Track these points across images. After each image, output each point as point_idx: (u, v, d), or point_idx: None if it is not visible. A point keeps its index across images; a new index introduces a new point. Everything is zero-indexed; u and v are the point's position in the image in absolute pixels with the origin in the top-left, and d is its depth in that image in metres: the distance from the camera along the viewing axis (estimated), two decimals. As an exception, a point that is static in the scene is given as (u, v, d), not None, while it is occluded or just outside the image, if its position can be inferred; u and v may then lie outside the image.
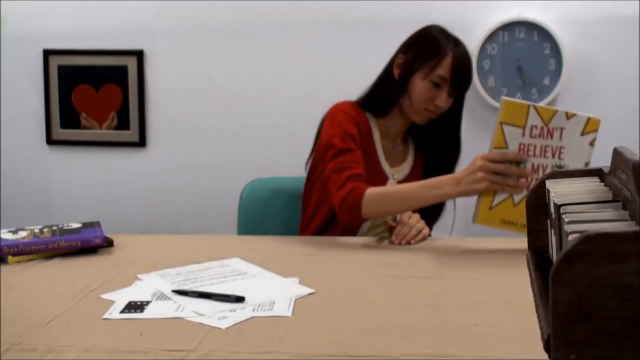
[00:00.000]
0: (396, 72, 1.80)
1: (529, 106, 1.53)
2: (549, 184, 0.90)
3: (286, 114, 2.70)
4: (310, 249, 1.61)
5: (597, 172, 0.90)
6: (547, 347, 0.64)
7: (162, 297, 1.23)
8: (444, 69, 1.74)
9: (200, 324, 1.10)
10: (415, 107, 1.77)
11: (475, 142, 2.64)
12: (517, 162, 1.55)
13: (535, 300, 0.79)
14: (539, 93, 2.55)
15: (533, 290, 0.83)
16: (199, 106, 2.80)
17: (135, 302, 1.20)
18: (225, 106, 2.76)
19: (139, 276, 1.35)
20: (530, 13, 2.53)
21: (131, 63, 2.78)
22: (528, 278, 0.91)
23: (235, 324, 1.09)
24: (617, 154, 0.78)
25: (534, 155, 1.54)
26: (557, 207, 0.78)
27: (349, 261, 1.50)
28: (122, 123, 2.83)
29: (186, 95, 2.80)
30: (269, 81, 2.72)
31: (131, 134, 2.83)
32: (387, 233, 1.77)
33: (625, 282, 0.58)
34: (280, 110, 2.71)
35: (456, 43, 1.79)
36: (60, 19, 2.81)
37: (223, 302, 1.19)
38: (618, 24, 2.51)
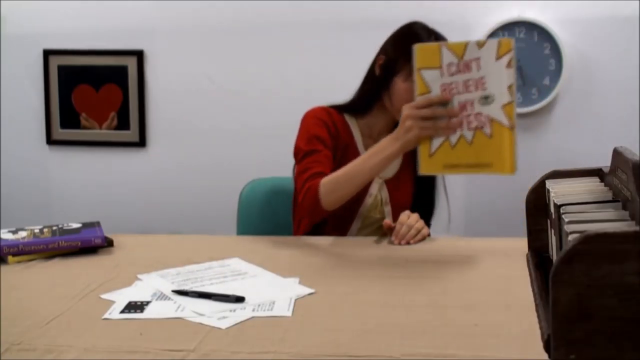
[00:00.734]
0: (377, 71, 1.80)
1: (440, 46, 1.50)
2: (549, 184, 0.90)
3: (286, 114, 2.70)
4: (310, 249, 1.61)
5: (597, 172, 0.90)
6: (547, 347, 0.64)
7: (162, 297, 1.23)
8: None
9: (200, 324, 1.10)
10: (396, 107, 1.76)
11: (475, 142, 2.65)
12: (444, 103, 1.50)
13: (535, 300, 0.79)
14: (539, 93, 2.55)
15: (533, 290, 0.83)
16: (199, 106, 2.80)
17: (135, 302, 1.20)
18: (225, 106, 2.77)
19: (139, 276, 1.35)
20: (530, 13, 2.53)
21: (131, 63, 2.78)
22: (528, 278, 0.91)
23: (235, 324, 1.09)
24: (617, 154, 0.78)
25: (458, 93, 1.50)
26: (557, 207, 0.78)
27: (349, 261, 1.50)
28: (122, 123, 2.83)
29: (186, 95, 2.80)
30: (269, 81, 2.72)
31: (131, 134, 2.83)
32: (379, 232, 1.78)
33: (625, 282, 0.58)
34: (280, 110, 2.71)
35: (434, 37, 1.77)
36: (60, 19, 2.81)
37: (223, 302, 1.19)
38: (618, 24, 2.51)
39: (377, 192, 1.81)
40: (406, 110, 1.54)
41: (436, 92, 1.51)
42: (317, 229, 1.81)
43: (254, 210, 2.07)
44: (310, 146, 1.75)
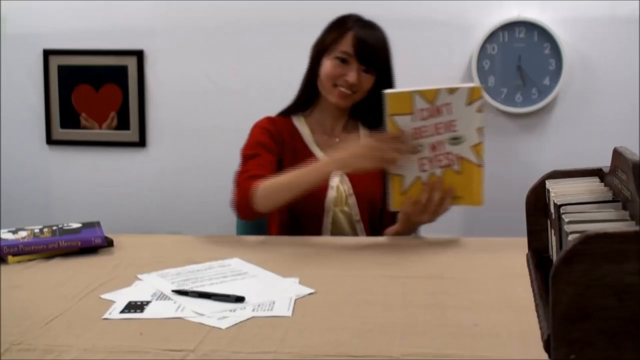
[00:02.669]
0: (308, 64, 1.88)
1: (411, 93, 1.57)
2: (549, 184, 0.90)
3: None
4: (310, 249, 1.61)
5: (597, 172, 0.90)
6: (547, 347, 0.64)
7: (162, 297, 1.23)
8: (345, 44, 1.80)
9: (200, 324, 1.10)
10: (325, 85, 1.82)
11: (475, 142, 2.65)
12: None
13: (535, 300, 0.79)
14: (539, 93, 2.55)
15: (533, 290, 0.83)
16: (199, 106, 2.79)
17: (135, 302, 1.20)
18: (225, 106, 2.76)
19: (139, 276, 1.35)
20: (530, 13, 2.53)
21: (131, 63, 2.78)
22: (528, 278, 0.91)
23: (235, 324, 1.09)
24: (617, 154, 0.78)
25: (429, 135, 1.59)
26: (557, 207, 0.78)
27: (349, 261, 1.50)
28: (122, 123, 2.83)
29: (186, 95, 2.79)
30: (269, 81, 2.72)
31: (131, 134, 2.83)
32: (352, 226, 1.83)
33: (625, 282, 0.58)
34: (280, 110, 2.71)
35: (361, 22, 1.85)
36: (60, 19, 2.81)
37: (223, 302, 1.19)
38: (618, 24, 2.51)
39: (339, 184, 1.81)
40: (367, 140, 1.64)
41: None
42: (293, 228, 1.82)
43: None
44: (251, 151, 1.85)
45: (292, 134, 1.89)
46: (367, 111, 1.86)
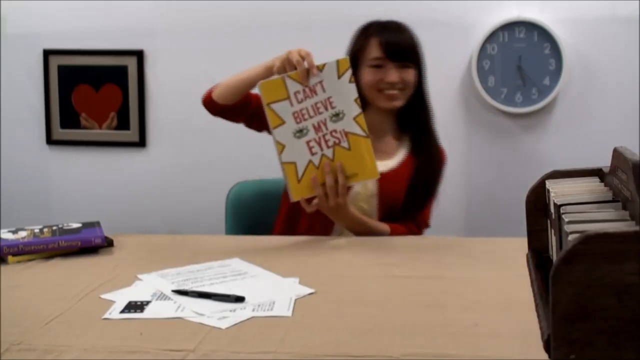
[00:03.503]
0: None
1: (282, 78, 1.61)
2: (549, 184, 0.90)
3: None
4: (310, 249, 1.61)
5: (597, 172, 0.90)
6: (547, 347, 0.64)
7: (162, 297, 1.23)
8: (374, 51, 1.82)
9: (200, 324, 1.10)
10: (371, 94, 1.83)
11: (475, 142, 2.65)
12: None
13: (535, 300, 0.79)
14: (539, 93, 2.55)
15: (533, 290, 0.83)
16: (199, 106, 2.77)
17: (135, 302, 1.20)
18: (225, 106, 2.76)
19: (139, 276, 1.35)
20: (530, 13, 2.53)
21: (131, 63, 2.78)
22: (528, 278, 0.91)
23: (235, 324, 1.09)
24: (617, 154, 0.78)
25: (310, 117, 1.62)
26: (557, 207, 0.78)
27: (349, 261, 1.50)
28: (122, 123, 2.83)
29: (186, 95, 2.79)
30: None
31: (131, 134, 2.83)
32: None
33: (625, 282, 0.58)
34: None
35: (381, 24, 1.86)
36: (60, 19, 2.81)
37: (223, 302, 1.19)
38: (618, 24, 2.51)
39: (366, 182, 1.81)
40: None
41: (289, 121, 1.61)
42: (303, 216, 1.81)
43: (241, 212, 2.09)
44: None
45: None
46: (411, 110, 1.87)
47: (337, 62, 1.62)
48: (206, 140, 2.79)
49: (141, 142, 2.82)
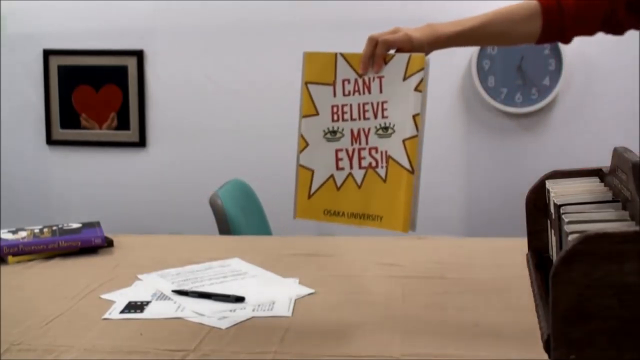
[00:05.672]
0: None
1: (335, 56, 1.22)
2: (549, 184, 0.90)
3: (287, 114, 2.70)
4: (310, 249, 1.60)
5: (597, 172, 0.90)
6: (547, 347, 0.64)
7: (162, 297, 1.23)
8: None
9: (200, 324, 1.10)
10: None
11: (475, 142, 2.65)
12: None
13: (535, 300, 0.79)
14: (539, 93, 2.55)
15: (533, 290, 0.83)
16: (199, 106, 2.80)
17: (135, 302, 1.20)
18: (225, 106, 2.76)
19: (139, 276, 1.35)
20: (530, 13, 2.53)
21: (131, 63, 2.78)
22: (528, 278, 0.91)
23: (235, 324, 1.09)
24: (617, 154, 0.78)
25: (352, 118, 1.19)
26: (557, 207, 0.78)
27: (349, 261, 1.50)
28: (122, 123, 2.83)
29: (186, 95, 2.80)
30: (269, 81, 2.72)
31: (131, 134, 2.83)
32: None
33: (625, 282, 0.58)
34: (280, 109, 2.71)
35: None
36: (60, 19, 2.81)
37: (223, 302, 1.19)
38: (618, 24, 2.51)
39: None
40: None
41: (325, 114, 1.20)
42: None
43: (232, 213, 2.10)
44: None
45: None
46: None
47: (409, 57, 1.16)
48: (206, 140, 2.79)
49: (141, 142, 2.82)
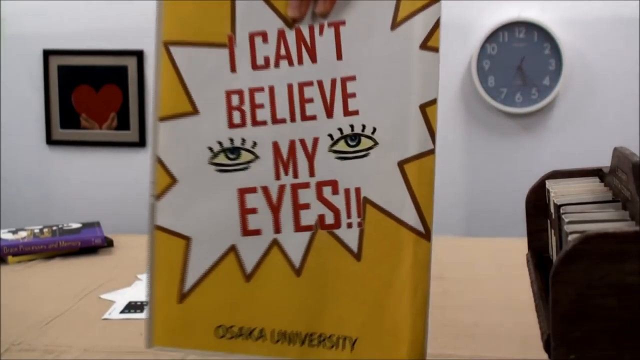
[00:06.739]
0: None
1: None
2: (549, 184, 0.90)
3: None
4: (310, 249, 1.60)
5: (597, 172, 0.90)
6: (547, 347, 0.64)
7: (162, 297, 1.23)
8: None
9: (200, 324, 1.10)
10: None
11: (475, 142, 2.65)
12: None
13: (535, 300, 0.79)
14: (539, 93, 2.55)
15: (533, 290, 0.83)
16: (199, 106, 2.79)
17: (135, 302, 1.20)
18: (225, 106, 2.76)
19: (139, 276, 1.35)
20: (530, 13, 2.53)
21: (131, 63, 2.78)
22: (528, 278, 0.91)
23: (235, 324, 1.09)
24: (617, 154, 0.78)
25: (274, 120, 0.65)
26: (557, 207, 0.78)
27: (349, 261, 1.50)
28: (122, 123, 2.82)
29: (186, 95, 2.79)
30: (269, 81, 2.72)
31: (131, 134, 2.83)
32: None
33: (625, 282, 0.58)
34: (280, 110, 2.71)
35: None
36: (60, 19, 2.81)
37: (223, 302, 1.19)
38: (618, 24, 2.51)
39: None
40: None
41: (214, 110, 0.71)
42: None
43: None
44: None
45: None
46: None
47: None
48: (206, 140, 2.79)
49: (141, 142, 2.82)
